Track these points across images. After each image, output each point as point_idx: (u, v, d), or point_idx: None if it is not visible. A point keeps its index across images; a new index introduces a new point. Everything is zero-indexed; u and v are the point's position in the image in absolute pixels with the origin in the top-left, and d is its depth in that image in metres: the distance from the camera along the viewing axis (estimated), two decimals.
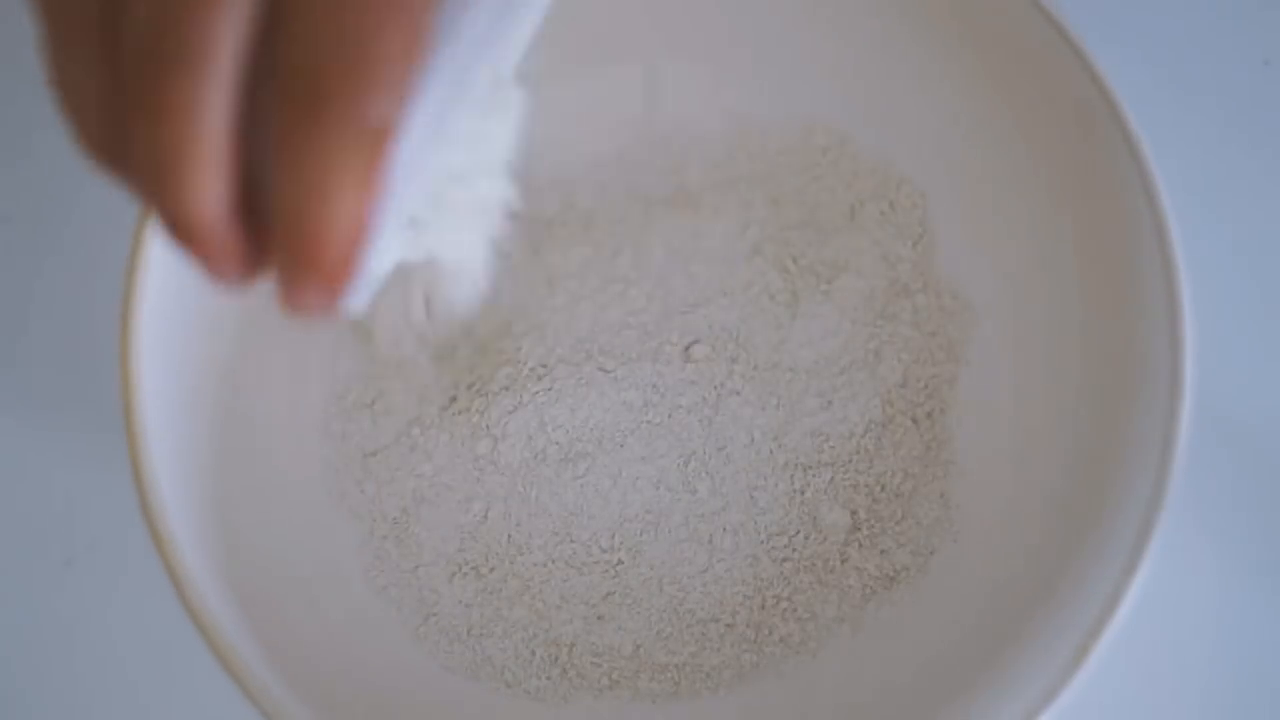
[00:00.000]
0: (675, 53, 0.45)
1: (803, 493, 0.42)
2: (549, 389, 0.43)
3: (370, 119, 0.19)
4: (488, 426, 0.42)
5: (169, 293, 0.37)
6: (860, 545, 0.42)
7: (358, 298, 0.22)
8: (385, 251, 0.22)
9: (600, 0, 0.44)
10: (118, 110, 0.20)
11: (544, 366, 0.43)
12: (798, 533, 0.42)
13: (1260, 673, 0.43)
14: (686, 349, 0.44)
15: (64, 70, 0.21)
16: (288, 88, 0.19)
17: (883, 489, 0.42)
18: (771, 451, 0.43)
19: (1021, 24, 0.39)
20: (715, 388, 0.43)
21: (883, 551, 0.42)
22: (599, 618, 0.41)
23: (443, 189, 0.24)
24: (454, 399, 0.43)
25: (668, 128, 0.46)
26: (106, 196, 0.46)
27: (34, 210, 0.47)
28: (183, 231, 0.20)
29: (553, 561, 0.42)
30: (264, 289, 0.21)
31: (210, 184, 0.20)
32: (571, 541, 0.42)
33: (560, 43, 0.43)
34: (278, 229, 0.20)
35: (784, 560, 0.42)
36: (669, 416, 0.43)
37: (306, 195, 0.19)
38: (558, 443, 0.42)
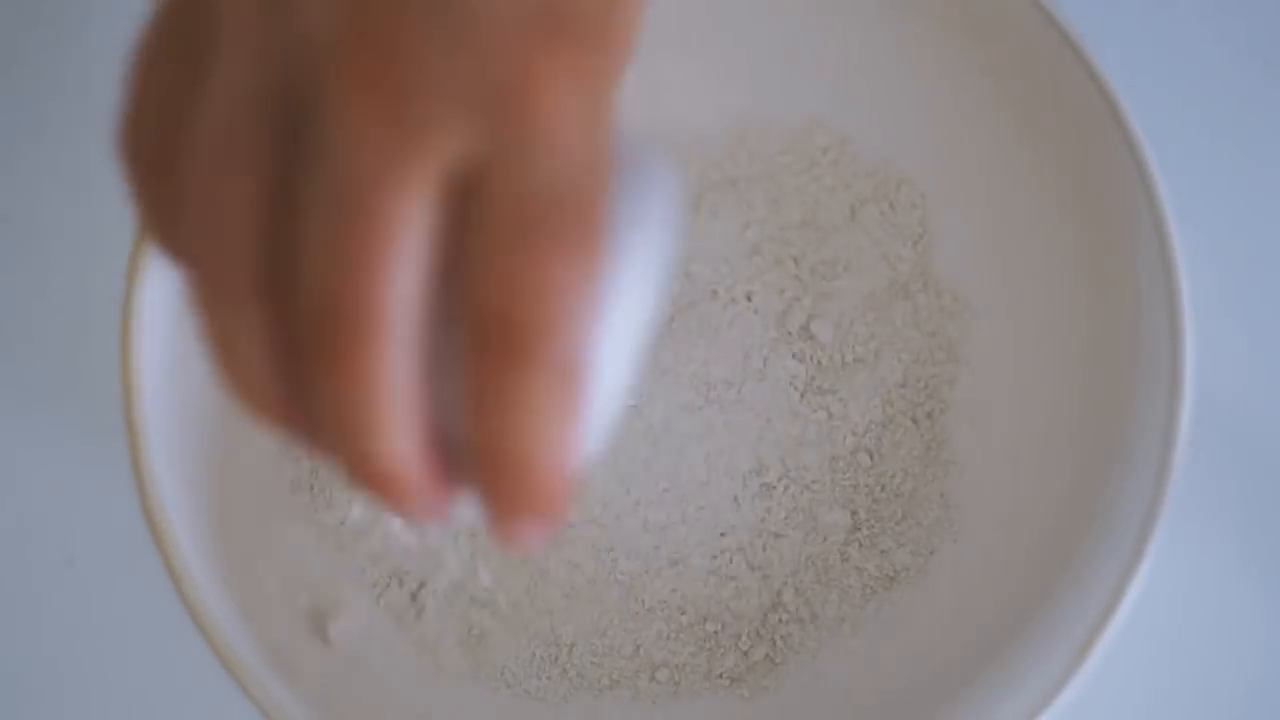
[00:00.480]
0: (675, 53, 0.45)
1: (803, 493, 0.42)
2: None
3: (567, 356, 0.19)
4: None
5: (169, 293, 0.37)
6: (860, 545, 0.42)
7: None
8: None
9: None
10: (288, 367, 0.20)
11: None
12: (798, 533, 0.42)
13: (1261, 672, 0.43)
14: (683, 352, 0.44)
15: (222, 328, 0.20)
16: (481, 334, 0.19)
17: (883, 489, 0.42)
18: (771, 451, 0.43)
19: (1021, 24, 0.39)
20: (715, 387, 0.43)
21: (883, 551, 0.42)
22: (599, 618, 0.41)
23: None
24: None
25: (668, 127, 0.46)
26: (107, 198, 0.46)
27: (34, 210, 0.47)
28: (377, 482, 0.20)
29: (553, 561, 0.42)
30: None
31: (403, 437, 0.20)
32: (571, 543, 0.42)
33: None
34: (488, 471, 0.20)
35: (784, 560, 0.42)
36: (668, 416, 0.43)
37: (518, 439, 0.20)
38: None
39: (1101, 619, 0.34)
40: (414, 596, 0.41)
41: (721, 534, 0.42)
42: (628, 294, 0.21)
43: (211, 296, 0.20)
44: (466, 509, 0.22)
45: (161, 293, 0.36)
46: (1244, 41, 0.49)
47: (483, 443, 0.20)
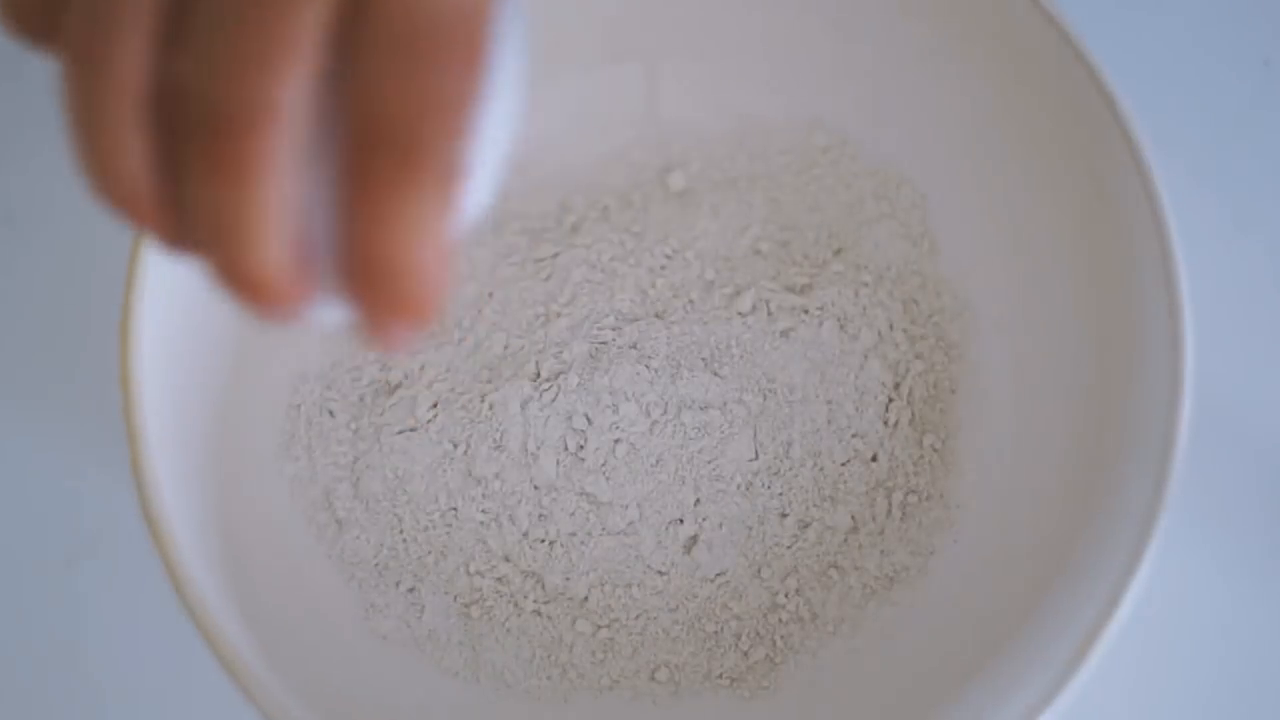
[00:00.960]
0: (675, 52, 0.45)
1: (802, 493, 0.42)
2: (545, 390, 0.43)
3: (447, 163, 0.20)
4: (487, 431, 0.42)
5: (169, 293, 0.37)
6: (860, 545, 0.42)
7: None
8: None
9: (600, 0, 0.44)
10: (165, 162, 0.20)
11: (541, 367, 0.43)
12: (797, 533, 0.42)
13: (1261, 672, 0.43)
14: (685, 349, 0.44)
15: (100, 113, 0.20)
16: (365, 139, 0.20)
17: (883, 489, 0.42)
18: (771, 452, 0.43)
19: (1021, 24, 0.39)
20: (714, 387, 0.43)
21: (883, 551, 0.42)
22: (598, 618, 0.41)
23: None
24: (450, 401, 0.43)
25: (668, 128, 0.46)
26: None
27: (34, 210, 0.47)
28: (247, 285, 0.20)
29: (553, 561, 0.42)
30: None
31: (279, 242, 0.20)
32: (571, 546, 0.42)
33: (560, 43, 0.43)
34: (364, 274, 0.20)
35: (784, 560, 0.42)
36: (668, 416, 0.43)
37: (396, 244, 0.20)
38: (556, 445, 0.42)
39: (1101, 619, 0.34)
40: (414, 596, 0.41)
41: (721, 533, 0.42)
42: (499, 99, 0.22)
43: (96, 79, 0.20)
44: (328, 311, 0.22)
45: (162, 293, 0.36)
46: (1244, 41, 0.49)
47: (360, 248, 0.20)
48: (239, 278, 0.20)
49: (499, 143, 0.23)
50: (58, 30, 0.21)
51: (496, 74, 0.21)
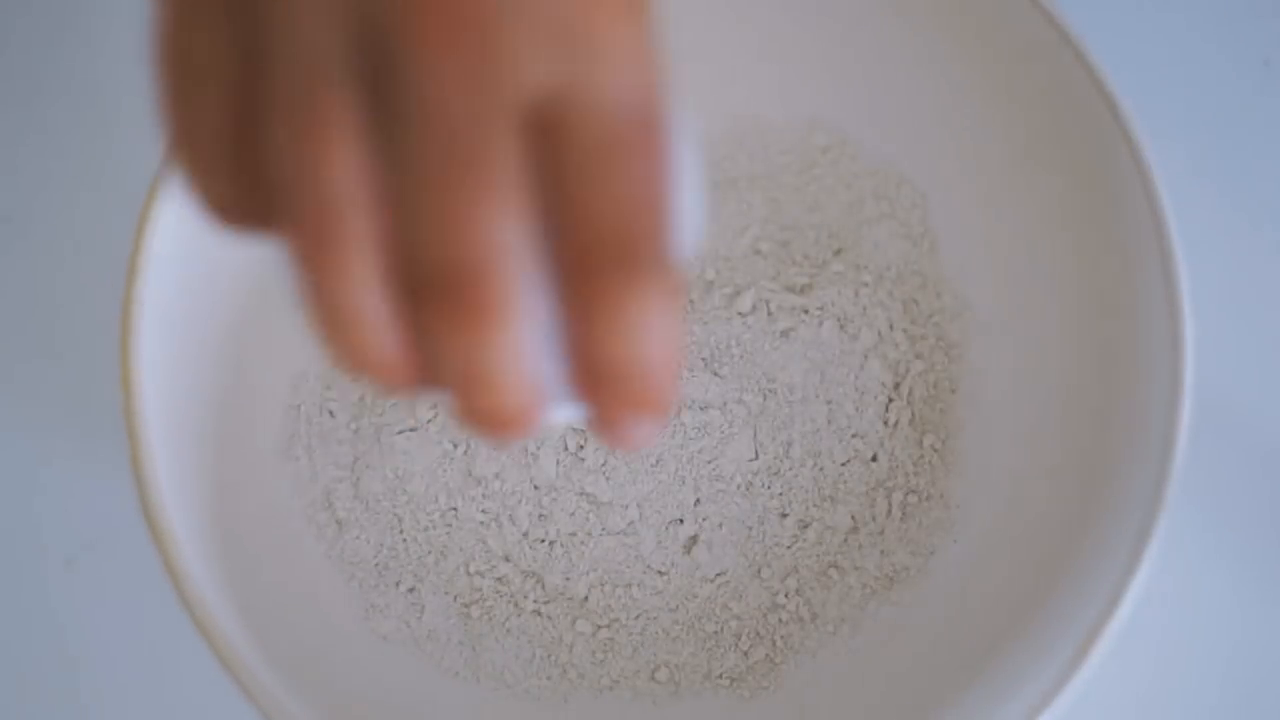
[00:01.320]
0: (675, 53, 0.45)
1: (802, 493, 0.42)
2: None
3: (663, 256, 0.20)
4: None
5: (169, 293, 0.37)
6: (860, 545, 0.42)
7: None
8: None
9: None
10: (406, 324, 0.20)
11: None
12: (797, 533, 0.42)
13: (1261, 672, 0.43)
14: (685, 350, 0.44)
15: (332, 291, 0.20)
16: (585, 253, 0.20)
17: (883, 489, 0.42)
18: (771, 452, 0.43)
19: (1021, 24, 0.39)
20: (714, 387, 0.43)
21: (883, 551, 0.42)
22: (598, 618, 0.41)
23: None
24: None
25: None
26: (107, 197, 0.46)
27: (34, 210, 0.47)
28: (497, 425, 0.21)
29: (553, 561, 0.42)
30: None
31: (526, 379, 0.21)
32: (571, 546, 0.42)
33: None
34: (608, 382, 0.21)
35: (783, 560, 0.42)
36: (667, 416, 0.43)
37: (634, 343, 0.20)
38: (556, 445, 0.42)
39: (1101, 619, 0.34)
40: (414, 596, 0.41)
41: (720, 533, 0.42)
42: (686, 183, 0.22)
43: (319, 258, 0.20)
44: (560, 412, 0.22)
45: (162, 293, 0.36)
46: (1244, 41, 0.49)
47: (596, 356, 0.21)
48: (489, 418, 0.21)
49: (694, 219, 0.23)
50: (268, 215, 0.21)
51: (681, 157, 0.22)
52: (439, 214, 0.19)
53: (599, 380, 0.21)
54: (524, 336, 0.20)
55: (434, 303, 0.20)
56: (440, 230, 0.19)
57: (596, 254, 0.20)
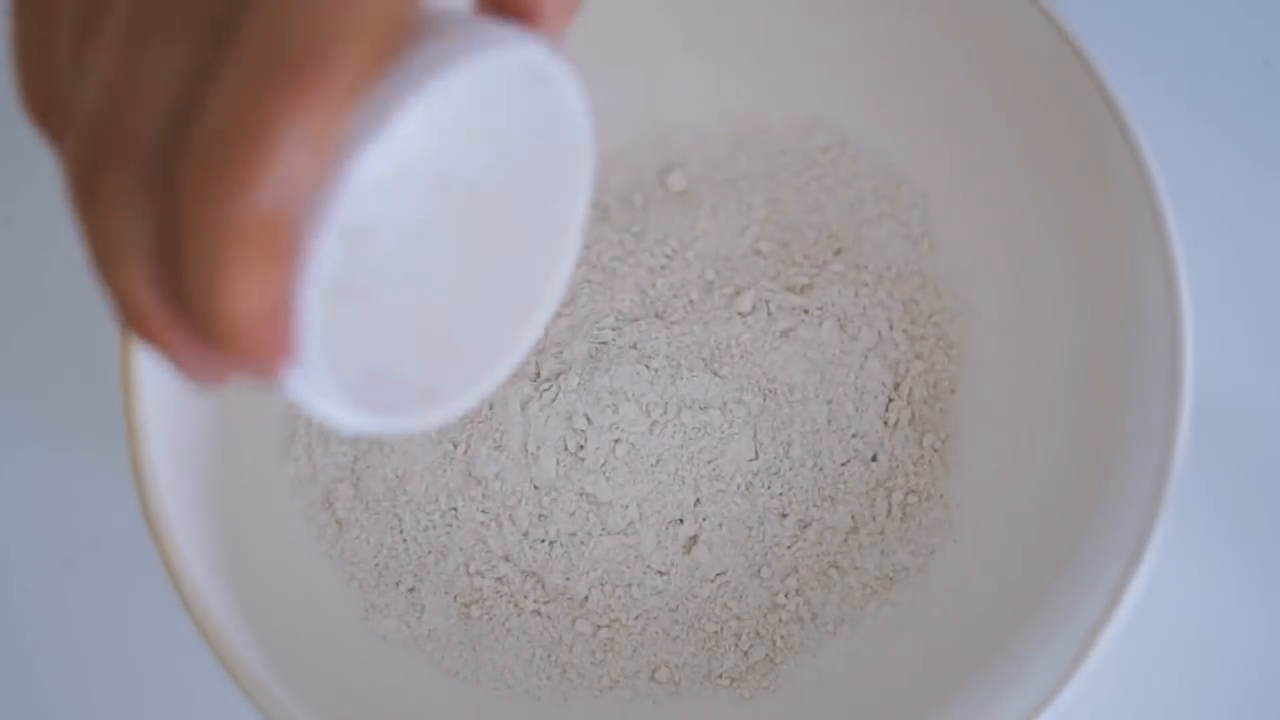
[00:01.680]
0: (675, 52, 0.45)
1: (802, 493, 0.42)
2: (545, 390, 0.43)
3: (273, 198, 0.18)
4: (487, 431, 0.42)
5: None
6: (860, 545, 0.42)
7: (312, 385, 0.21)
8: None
9: (600, 0, 0.44)
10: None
11: (541, 367, 0.43)
12: (798, 533, 0.42)
13: (1260, 672, 0.43)
14: (685, 349, 0.44)
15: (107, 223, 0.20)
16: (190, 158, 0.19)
17: (882, 489, 0.42)
18: (771, 452, 0.43)
19: (1021, 24, 0.39)
20: (714, 387, 0.43)
21: (883, 551, 0.42)
22: (598, 618, 0.41)
23: None
24: None
25: (668, 127, 0.46)
26: None
27: (34, 211, 0.47)
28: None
29: (553, 561, 0.42)
30: None
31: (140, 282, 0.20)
32: (571, 546, 0.42)
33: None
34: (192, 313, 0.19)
35: (783, 560, 0.42)
36: (668, 416, 0.43)
37: (210, 274, 0.19)
38: (556, 445, 0.42)
39: (1101, 619, 0.34)
40: (414, 596, 0.41)
41: (721, 534, 0.42)
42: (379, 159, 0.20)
43: (106, 183, 0.19)
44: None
45: None
46: (1244, 41, 0.49)
47: (183, 277, 0.19)
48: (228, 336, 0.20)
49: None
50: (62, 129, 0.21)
51: (380, 123, 0.19)
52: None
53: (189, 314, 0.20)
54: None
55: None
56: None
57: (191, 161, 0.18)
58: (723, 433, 0.43)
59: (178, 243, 0.19)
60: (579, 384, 0.43)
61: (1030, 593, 0.38)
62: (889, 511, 0.42)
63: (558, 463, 0.42)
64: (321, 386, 0.21)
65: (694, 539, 0.42)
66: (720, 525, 0.42)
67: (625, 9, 0.44)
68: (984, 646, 0.38)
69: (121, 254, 0.20)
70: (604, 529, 0.42)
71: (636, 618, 0.41)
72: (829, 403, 0.43)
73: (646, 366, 0.43)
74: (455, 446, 0.42)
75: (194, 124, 0.19)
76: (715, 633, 0.41)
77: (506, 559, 0.42)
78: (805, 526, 0.42)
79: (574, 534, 0.42)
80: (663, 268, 0.45)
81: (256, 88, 0.18)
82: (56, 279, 0.46)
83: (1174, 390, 0.36)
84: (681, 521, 0.42)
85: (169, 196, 0.19)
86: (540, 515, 0.42)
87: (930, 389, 0.43)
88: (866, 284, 0.44)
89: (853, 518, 0.42)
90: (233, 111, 0.18)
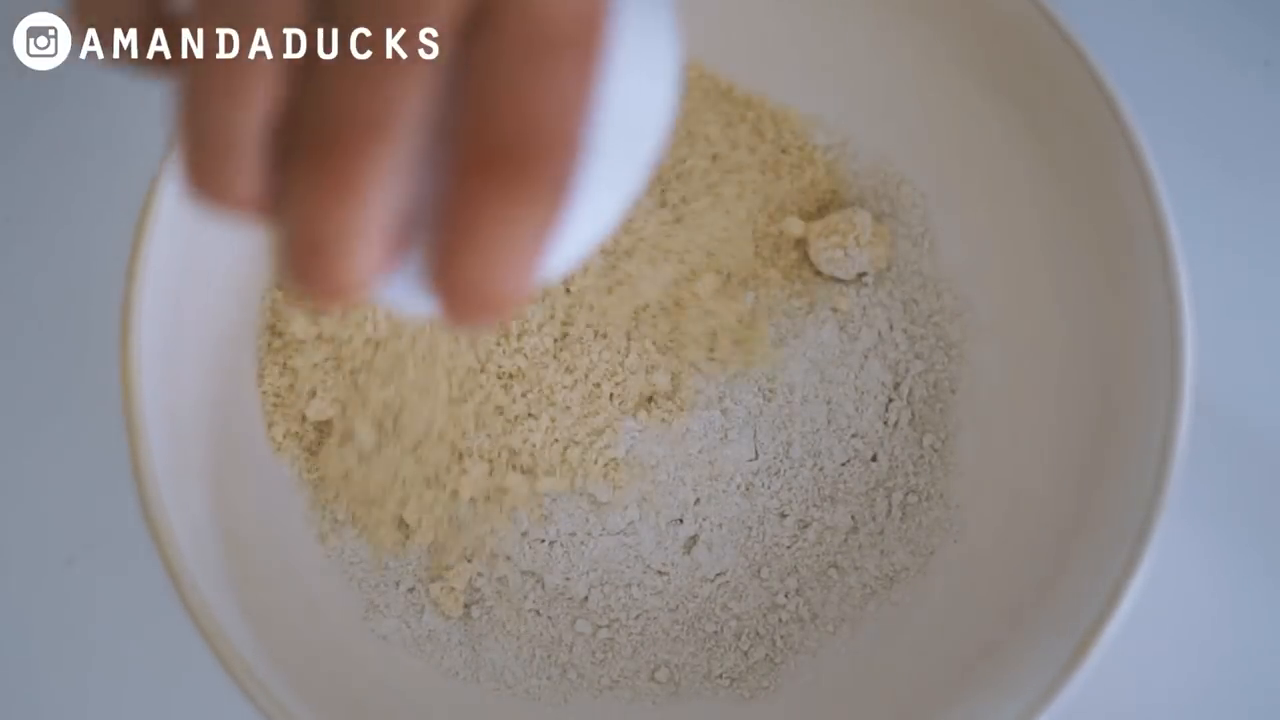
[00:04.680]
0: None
1: (803, 493, 0.42)
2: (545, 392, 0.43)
3: (558, 189, 0.20)
4: (485, 432, 0.42)
5: (169, 294, 0.37)
6: (860, 545, 0.42)
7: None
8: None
9: None
10: (276, 160, 0.20)
11: (540, 366, 0.43)
12: (798, 533, 0.42)
13: (1260, 672, 0.43)
14: (685, 348, 0.44)
15: (217, 115, 0.20)
16: (480, 158, 0.20)
17: (883, 489, 0.42)
18: (771, 452, 0.43)
19: (1021, 24, 0.39)
20: (714, 389, 0.43)
21: (883, 551, 0.42)
22: (598, 618, 0.41)
23: None
24: (449, 401, 0.43)
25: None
26: (107, 197, 0.46)
27: (34, 210, 0.47)
28: (323, 291, 0.20)
29: (553, 561, 0.42)
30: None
31: (366, 259, 0.20)
32: (571, 546, 0.42)
33: None
34: (449, 282, 0.20)
35: (783, 560, 0.42)
36: (668, 417, 0.43)
37: (489, 265, 0.20)
38: (553, 445, 0.42)
39: (1101, 618, 0.34)
40: (414, 596, 0.41)
41: (721, 534, 0.42)
42: (650, 77, 0.21)
43: (216, 81, 0.20)
44: (395, 292, 0.22)
45: (161, 293, 0.36)
46: (1244, 41, 0.49)
47: (455, 270, 0.20)
48: (311, 276, 0.20)
49: (658, 116, 0.21)
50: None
51: (640, 52, 0.20)
52: (348, 75, 0.19)
53: (446, 290, 0.21)
54: (372, 216, 0.20)
55: (305, 155, 0.20)
56: (339, 91, 0.19)
57: (483, 161, 0.20)
58: (723, 433, 0.43)
59: (466, 217, 0.20)
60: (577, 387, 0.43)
61: (1030, 592, 0.38)
62: (889, 511, 0.42)
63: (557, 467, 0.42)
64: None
65: (694, 539, 0.42)
66: (720, 525, 0.42)
67: None
68: (984, 646, 0.38)
69: (364, 241, 0.20)
70: (604, 529, 0.42)
71: (636, 618, 0.41)
72: (829, 403, 0.43)
73: (643, 369, 0.43)
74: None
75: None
76: (715, 633, 0.41)
77: (506, 559, 0.42)
78: (805, 526, 0.42)
79: (574, 534, 0.42)
80: (661, 267, 0.45)
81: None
82: (56, 278, 0.46)
83: (1174, 390, 0.36)
84: (681, 521, 0.42)
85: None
86: (540, 515, 0.42)
87: (930, 389, 0.43)
88: (866, 284, 0.44)
89: (853, 518, 0.42)
90: None
